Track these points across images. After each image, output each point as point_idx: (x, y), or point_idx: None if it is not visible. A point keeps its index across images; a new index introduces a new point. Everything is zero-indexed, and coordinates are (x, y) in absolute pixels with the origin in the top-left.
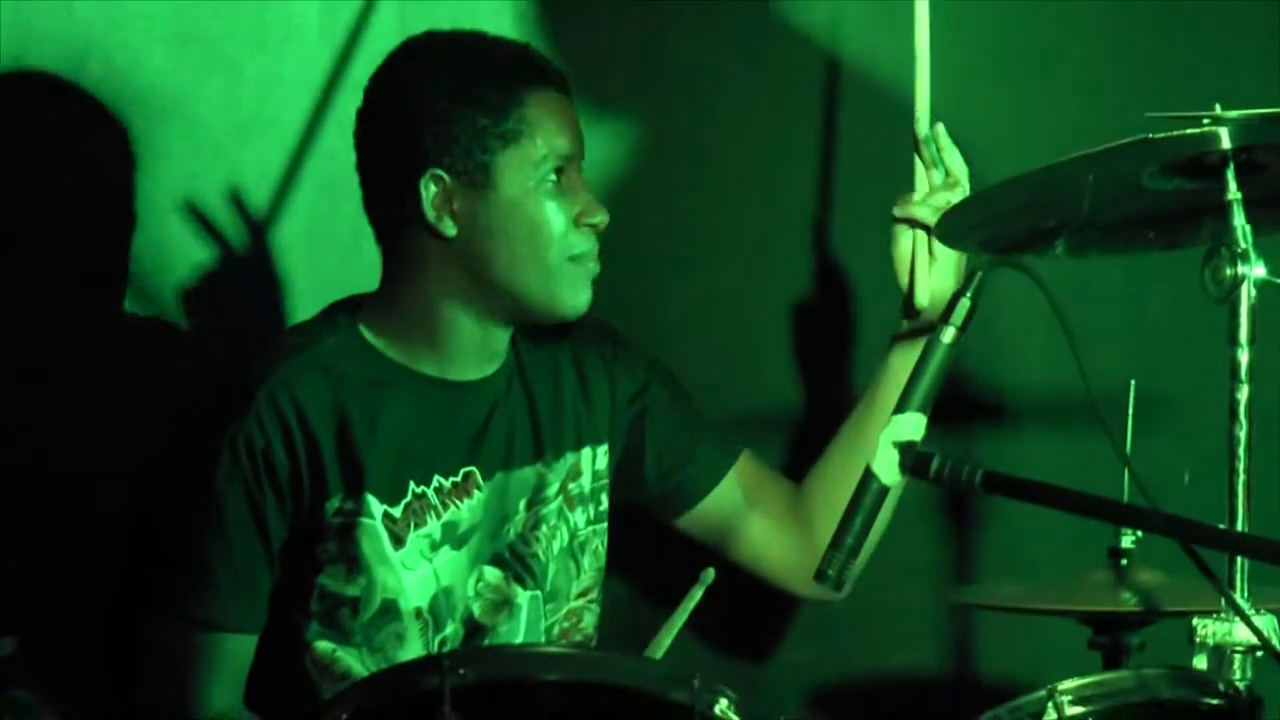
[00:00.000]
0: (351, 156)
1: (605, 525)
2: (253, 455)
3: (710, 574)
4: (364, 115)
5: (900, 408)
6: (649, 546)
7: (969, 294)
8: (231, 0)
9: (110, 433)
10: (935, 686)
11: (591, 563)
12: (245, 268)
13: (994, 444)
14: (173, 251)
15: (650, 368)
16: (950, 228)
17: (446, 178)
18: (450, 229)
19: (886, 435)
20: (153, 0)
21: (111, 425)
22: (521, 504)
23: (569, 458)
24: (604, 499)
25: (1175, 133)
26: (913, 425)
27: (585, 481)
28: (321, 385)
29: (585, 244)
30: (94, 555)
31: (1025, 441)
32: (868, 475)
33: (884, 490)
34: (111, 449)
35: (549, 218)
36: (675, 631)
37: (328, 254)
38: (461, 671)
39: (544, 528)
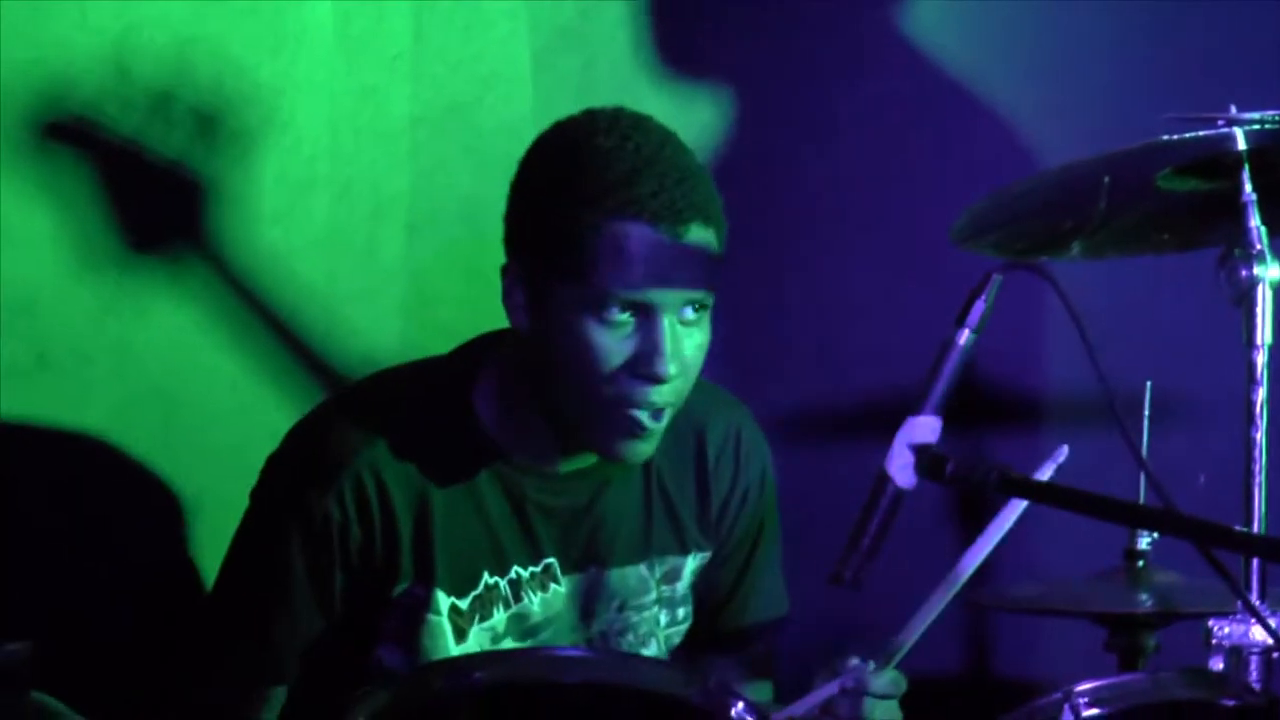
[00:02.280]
0: (367, 159)
1: (688, 625)
2: (328, 530)
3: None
4: None
5: (916, 410)
6: None
7: (985, 296)
8: (246, 4)
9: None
10: (951, 688)
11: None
12: (257, 273)
13: (1009, 446)
14: (189, 258)
15: (758, 493)
16: (967, 229)
17: (523, 271)
18: (522, 323)
19: (902, 437)
20: (167, 3)
21: (155, 439)
22: (614, 605)
23: (670, 560)
24: (689, 603)
25: (1190, 134)
26: (928, 427)
27: (681, 586)
28: (411, 470)
29: (639, 393)
30: (123, 562)
31: (1041, 443)
32: (883, 478)
33: (900, 493)
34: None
35: (597, 352)
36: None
37: (344, 259)
38: (479, 674)
39: (631, 636)
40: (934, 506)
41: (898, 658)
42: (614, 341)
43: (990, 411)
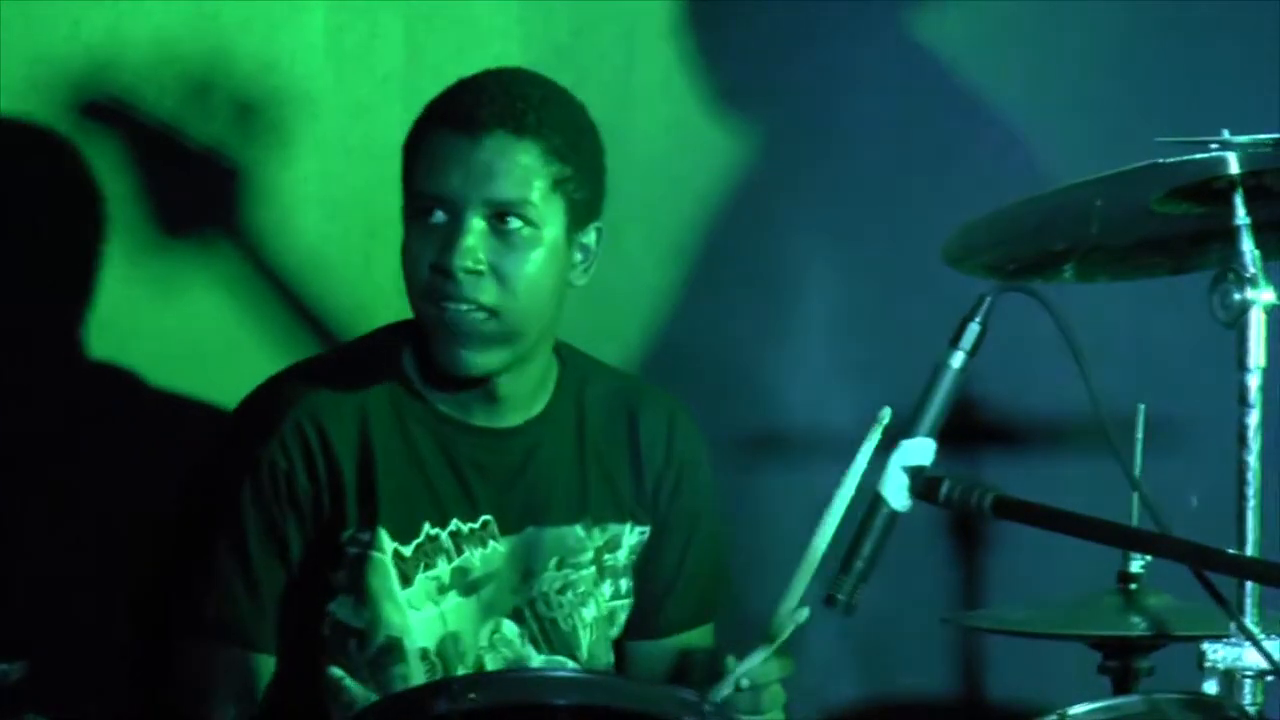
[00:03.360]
0: (359, 178)
1: (630, 601)
2: (275, 478)
3: (887, 413)
4: None
5: (910, 432)
6: None
7: (978, 318)
8: (239, 20)
9: (139, 450)
10: (945, 711)
11: (614, 635)
12: (251, 295)
13: (1003, 468)
14: (181, 273)
15: (692, 475)
16: (960, 250)
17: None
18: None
19: (896, 459)
20: (160, 19)
21: (141, 443)
22: (552, 563)
23: (611, 528)
24: (630, 576)
25: (1184, 157)
26: (922, 450)
27: (621, 556)
28: (349, 416)
29: (441, 286)
30: (115, 574)
31: (1034, 465)
32: (877, 500)
33: (894, 515)
34: (140, 465)
35: (413, 254)
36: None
37: (337, 277)
38: (471, 695)
39: (571, 594)
40: (927, 529)
41: (779, 640)
42: (425, 240)
43: (984, 433)
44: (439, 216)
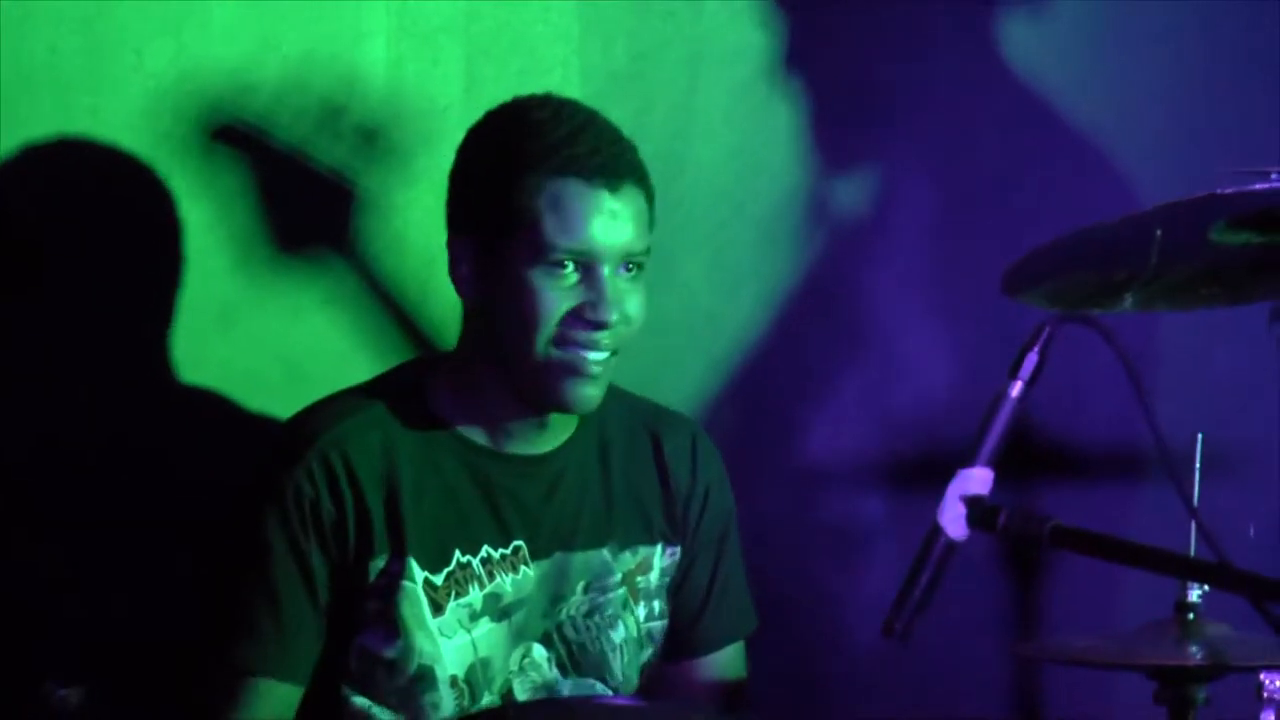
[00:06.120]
0: (419, 208)
1: (665, 624)
2: (300, 506)
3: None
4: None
5: (968, 462)
6: None
7: (1037, 348)
8: (302, 52)
9: (182, 479)
10: None
11: (647, 659)
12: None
13: (1060, 498)
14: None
15: (718, 494)
16: (1019, 280)
17: (470, 242)
18: (469, 294)
19: (954, 489)
20: (222, 50)
21: (183, 472)
22: (579, 587)
23: (641, 550)
24: (664, 598)
25: (1243, 187)
26: (980, 479)
27: (654, 578)
28: (374, 446)
29: (582, 336)
30: (166, 602)
31: (1092, 495)
32: (935, 530)
33: (951, 545)
34: (186, 493)
35: (544, 299)
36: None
37: (394, 307)
38: None
39: (598, 617)
40: (985, 558)
41: None
42: (559, 290)
43: (1042, 463)
44: (571, 267)
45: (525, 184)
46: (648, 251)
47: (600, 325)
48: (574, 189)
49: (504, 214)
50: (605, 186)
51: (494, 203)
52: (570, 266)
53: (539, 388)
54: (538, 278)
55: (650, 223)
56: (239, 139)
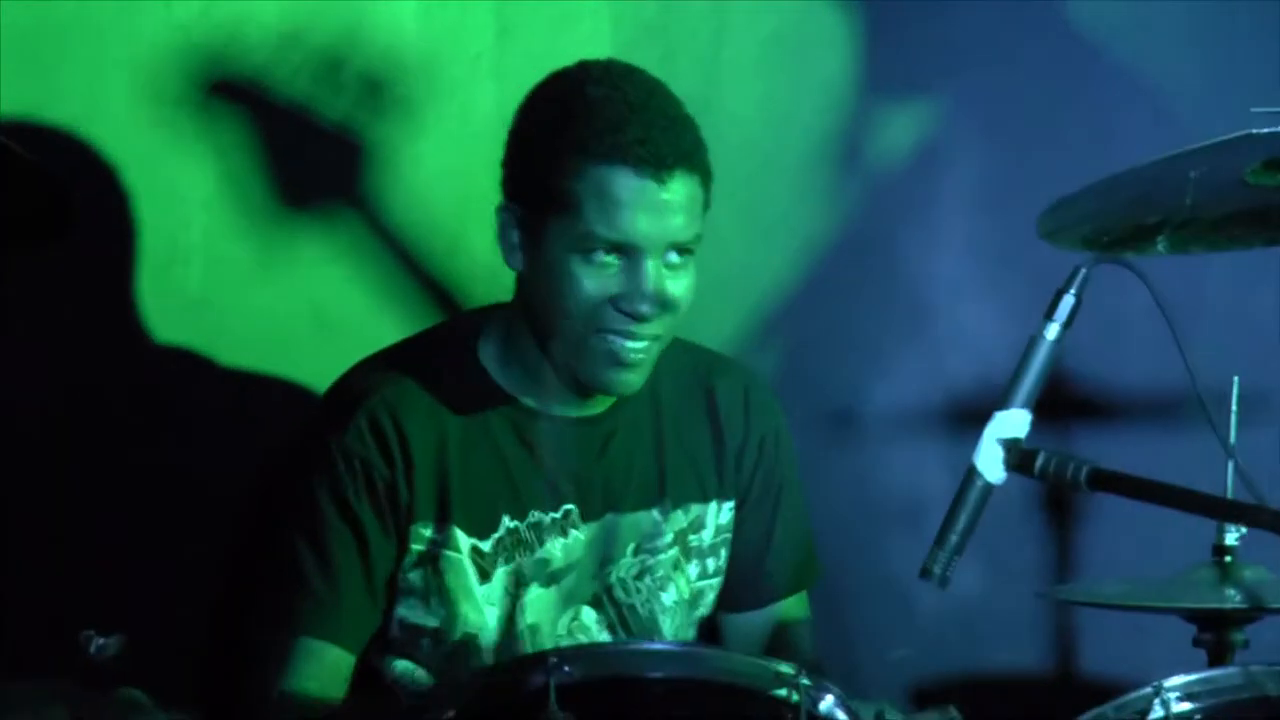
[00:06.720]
0: (450, 156)
1: (720, 580)
2: (351, 466)
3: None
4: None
5: (1005, 404)
6: None
7: (1073, 290)
8: (332, 3)
9: (225, 434)
10: (1038, 684)
11: (702, 614)
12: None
13: (1097, 441)
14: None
15: (774, 445)
16: (1053, 223)
17: (518, 210)
18: (516, 264)
19: (990, 432)
20: (256, 3)
21: (226, 427)
22: (629, 549)
23: (694, 509)
24: (724, 553)
25: (1279, 128)
26: (1017, 422)
27: (707, 535)
28: (424, 411)
29: (621, 326)
30: (203, 552)
31: (1128, 438)
32: (972, 473)
33: (989, 488)
34: (226, 449)
35: (583, 288)
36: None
37: (425, 255)
38: (568, 669)
39: (649, 579)
40: (1022, 502)
41: None
42: (599, 279)
43: (1078, 406)
44: (612, 256)
45: (570, 166)
46: (698, 238)
47: (639, 318)
48: (619, 179)
49: (547, 193)
50: (652, 177)
51: (538, 179)
52: (612, 255)
53: (580, 369)
54: (577, 263)
55: (705, 205)
56: (252, 94)
